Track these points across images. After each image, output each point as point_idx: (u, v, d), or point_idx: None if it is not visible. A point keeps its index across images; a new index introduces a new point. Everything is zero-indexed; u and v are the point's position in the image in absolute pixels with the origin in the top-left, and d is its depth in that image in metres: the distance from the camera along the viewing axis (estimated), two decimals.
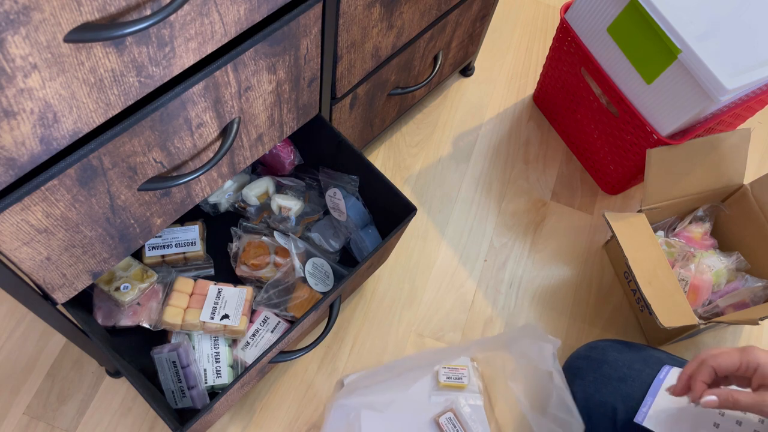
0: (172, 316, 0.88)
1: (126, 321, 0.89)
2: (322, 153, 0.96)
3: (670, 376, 0.79)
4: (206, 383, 0.87)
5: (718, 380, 0.68)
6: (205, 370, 0.88)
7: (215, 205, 1.00)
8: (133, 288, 0.88)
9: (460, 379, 1.00)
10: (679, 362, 0.84)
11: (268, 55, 0.65)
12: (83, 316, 0.79)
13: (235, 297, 0.90)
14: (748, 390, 0.64)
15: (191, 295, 0.90)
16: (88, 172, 0.56)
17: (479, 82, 1.32)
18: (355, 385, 0.91)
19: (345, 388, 0.93)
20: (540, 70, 1.34)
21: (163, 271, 0.93)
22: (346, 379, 0.99)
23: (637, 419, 0.76)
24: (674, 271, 1.01)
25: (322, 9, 0.68)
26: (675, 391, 0.69)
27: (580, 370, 0.88)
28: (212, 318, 0.88)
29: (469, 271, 1.13)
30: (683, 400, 0.76)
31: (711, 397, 0.64)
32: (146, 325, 0.90)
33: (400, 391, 0.89)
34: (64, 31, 0.43)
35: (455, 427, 0.95)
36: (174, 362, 0.86)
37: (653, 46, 0.94)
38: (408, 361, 0.94)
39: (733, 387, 0.66)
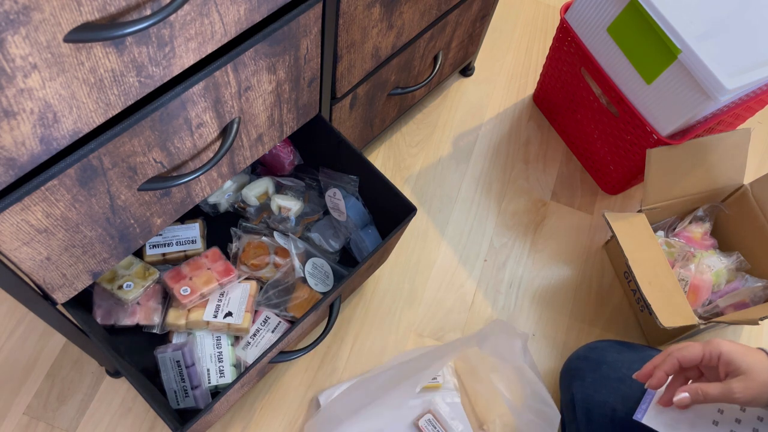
0: (176, 317, 0.88)
1: (125, 320, 0.89)
2: (322, 153, 0.96)
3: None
4: (209, 383, 0.87)
5: (689, 376, 0.69)
6: (208, 369, 0.88)
7: (215, 206, 1.00)
8: (137, 286, 0.88)
9: (435, 379, 0.99)
10: None
11: (268, 55, 0.65)
12: (83, 315, 0.79)
13: (238, 293, 0.90)
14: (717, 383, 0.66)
15: None
16: (88, 172, 0.56)
17: (479, 82, 1.32)
18: (331, 411, 0.90)
19: (320, 413, 0.91)
20: (540, 70, 1.34)
21: (164, 269, 0.93)
22: (321, 396, 0.97)
23: (636, 416, 0.76)
24: (674, 271, 1.01)
25: (322, 9, 0.68)
26: (638, 376, 0.71)
27: (580, 370, 0.88)
28: (215, 317, 0.88)
29: (469, 271, 1.13)
30: None
31: (683, 395, 0.65)
32: (152, 329, 0.91)
33: (378, 413, 0.89)
34: (64, 31, 0.43)
35: (435, 428, 0.95)
36: (178, 361, 0.86)
37: (653, 46, 0.94)
38: (386, 379, 0.92)
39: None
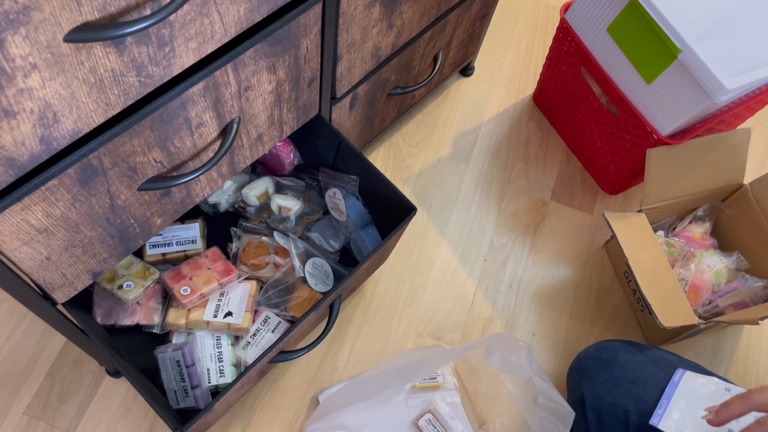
0: (176, 317, 0.88)
1: (125, 320, 0.89)
2: (322, 153, 0.96)
3: (685, 379, 0.79)
4: (209, 383, 0.87)
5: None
6: (208, 369, 0.88)
7: (215, 205, 1.00)
8: (137, 286, 0.88)
9: (435, 378, 0.99)
10: (690, 365, 0.83)
11: (268, 55, 0.65)
12: (83, 315, 0.79)
13: (238, 293, 0.90)
14: None
15: None
16: (88, 172, 0.56)
17: (479, 82, 1.32)
18: (330, 406, 0.91)
19: (319, 408, 0.92)
20: (540, 70, 1.34)
21: (164, 269, 0.93)
22: (321, 396, 0.98)
23: (653, 421, 0.76)
24: (674, 271, 1.01)
25: (322, 9, 0.68)
26: (711, 421, 0.64)
27: (590, 370, 0.87)
28: (215, 316, 0.88)
29: (469, 271, 1.13)
30: (699, 404, 0.76)
31: None
32: (152, 329, 0.91)
33: (376, 410, 0.88)
34: (64, 31, 0.43)
35: (435, 428, 0.94)
36: (178, 361, 0.86)
37: (653, 46, 0.94)
38: (384, 376, 0.92)
39: None
